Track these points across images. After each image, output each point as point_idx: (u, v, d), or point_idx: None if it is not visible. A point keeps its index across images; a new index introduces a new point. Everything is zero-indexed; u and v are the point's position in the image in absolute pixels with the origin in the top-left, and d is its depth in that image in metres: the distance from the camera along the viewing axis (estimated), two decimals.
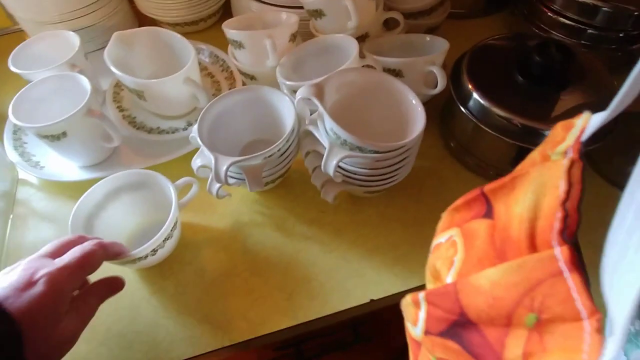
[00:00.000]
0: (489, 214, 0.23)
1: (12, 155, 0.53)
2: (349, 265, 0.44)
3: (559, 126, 0.22)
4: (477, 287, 0.21)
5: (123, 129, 0.53)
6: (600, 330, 0.16)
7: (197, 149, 0.45)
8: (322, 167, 0.40)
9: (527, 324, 0.19)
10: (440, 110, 0.57)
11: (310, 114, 0.44)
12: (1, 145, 0.54)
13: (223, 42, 0.58)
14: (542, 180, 0.20)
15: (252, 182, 0.42)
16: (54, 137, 0.46)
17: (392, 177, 0.43)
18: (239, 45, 0.52)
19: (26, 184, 0.54)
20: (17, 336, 0.27)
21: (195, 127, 0.44)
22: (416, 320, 0.26)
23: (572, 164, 0.19)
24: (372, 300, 0.42)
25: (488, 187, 0.24)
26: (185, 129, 0.55)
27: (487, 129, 0.46)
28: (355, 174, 0.41)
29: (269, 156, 0.42)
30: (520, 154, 0.46)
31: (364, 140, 0.37)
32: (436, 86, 0.49)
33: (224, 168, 0.39)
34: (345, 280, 0.43)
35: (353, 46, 0.47)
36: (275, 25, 0.54)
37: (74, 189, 0.52)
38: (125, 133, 0.53)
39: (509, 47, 0.53)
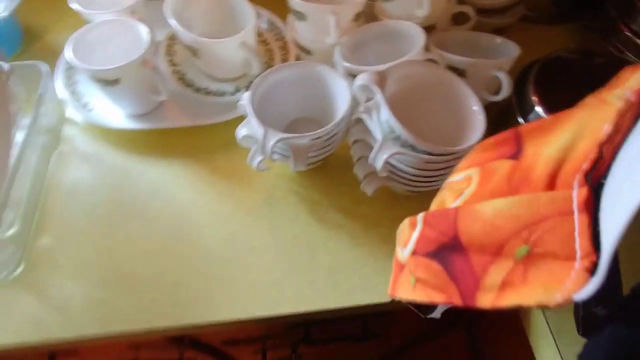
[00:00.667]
0: (516, 155, 0.23)
1: (62, 92, 0.53)
2: (377, 261, 0.43)
3: (628, 69, 0.21)
4: (478, 214, 0.21)
5: (172, 84, 0.53)
6: (590, 270, 0.16)
7: (241, 117, 0.45)
8: (369, 159, 0.38)
9: (516, 255, 0.18)
10: (492, 118, 0.55)
11: (366, 101, 0.42)
12: (52, 79, 0.55)
13: (282, 11, 0.56)
14: (585, 122, 0.19)
15: (297, 161, 0.41)
16: (107, 83, 0.46)
17: (437, 180, 0.41)
18: (301, 16, 0.50)
19: (72, 123, 0.54)
20: None
21: (246, 94, 0.43)
22: (407, 242, 0.26)
23: (628, 107, 0.18)
24: (393, 301, 0.41)
25: (525, 127, 0.23)
26: (233, 93, 0.54)
27: None
28: (401, 171, 0.40)
29: (317, 138, 0.41)
30: None
31: (419, 140, 0.36)
32: (498, 93, 0.46)
33: (272, 143, 0.39)
34: (371, 277, 0.42)
35: (420, 36, 0.45)
36: (342, 2, 0.52)
37: (117, 136, 0.53)
38: (173, 88, 0.53)
39: (581, 62, 0.50)
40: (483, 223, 0.21)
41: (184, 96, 0.54)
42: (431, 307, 0.30)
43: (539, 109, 0.44)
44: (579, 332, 0.32)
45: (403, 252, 0.27)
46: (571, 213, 0.17)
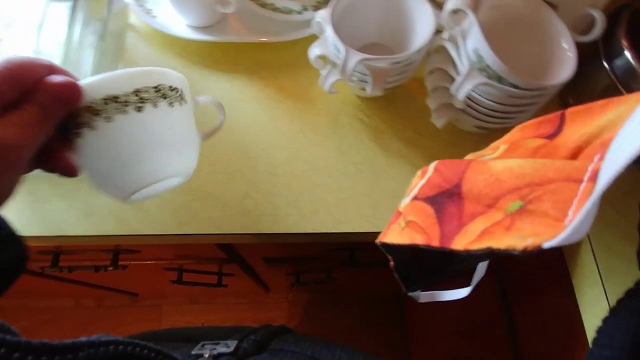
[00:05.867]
0: (551, 136, 0.22)
1: None
2: None
3: None
4: (487, 167, 0.21)
5: None
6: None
7: (307, 37, 0.44)
8: (453, 89, 0.38)
9: (508, 209, 0.18)
10: None
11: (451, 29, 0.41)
12: None
13: None
14: (635, 105, 0.18)
15: (376, 84, 0.41)
16: None
17: (511, 118, 0.41)
18: None
19: (135, 31, 0.53)
20: None
21: (324, 11, 0.42)
22: (412, 190, 0.27)
23: None
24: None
25: (572, 109, 0.22)
26: (300, 12, 0.52)
27: (624, 91, 0.42)
28: (479, 104, 0.39)
29: (397, 62, 0.40)
30: None
31: (510, 71, 0.35)
32: (584, 33, 0.44)
33: (354, 63, 0.38)
34: None
35: None
36: None
37: (180, 47, 0.52)
38: (239, 1, 0.51)
39: None
40: (489, 175, 0.21)
41: (248, 11, 0.52)
42: (415, 285, 0.31)
43: (628, 54, 0.42)
44: None
45: (404, 200, 0.27)
46: (579, 181, 0.17)
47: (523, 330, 0.60)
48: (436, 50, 0.41)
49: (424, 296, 0.33)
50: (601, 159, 0.17)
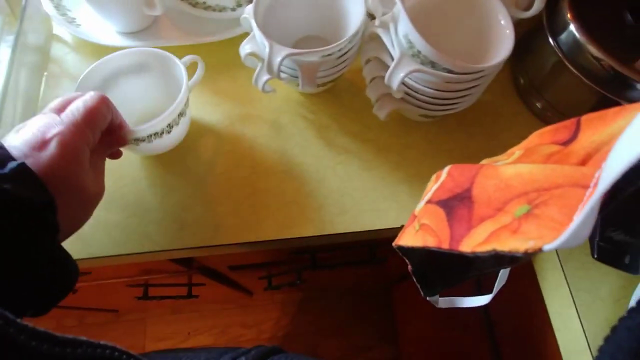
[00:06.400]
0: (567, 142, 0.23)
1: (47, 6, 0.49)
2: (386, 187, 0.42)
3: None
4: (498, 172, 0.22)
5: None
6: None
7: (244, 35, 0.41)
8: (385, 78, 0.36)
9: (516, 213, 0.19)
10: (518, 39, 0.51)
11: (382, 15, 0.38)
12: None
13: None
14: None
15: (306, 80, 0.38)
16: None
17: (455, 103, 0.39)
18: None
19: (60, 41, 0.50)
20: (50, 200, 0.26)
21: (249, 6, 0.39)
22: (426, 194, 0.28)
23: None
24: (403, 227, 0.41)
25: (587, 115, 0.23)
26: (233, 9, 0.49)
27: (572, 67, 0.40)
28: (418, 92, 0.37)
29: (328, 55, 0.37)
30: (601, 105, 0.41)
31: (441, 56, 0.33)
32: (528, 8, 0.42)
33: (279, 59, 0.36)
34: (379, 201, 0.42)
35: None
36: None
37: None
38: (167, 2, 0.48)
39: None
40: (499, 180, 0.21)
41: (180, 11, 0.49)
42: (434, 289, 0.30)
43: (572, 28, 0.40)
44: (593, 255, 0.32)
45: (420, 204, 0.28)
46: (586, 187, 0.17)
47: (495, 314, 0.61)
48: (370, 39, 0.39)
49: (442, 301, 0.33)
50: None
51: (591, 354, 0.36)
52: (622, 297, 0.38)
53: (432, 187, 0.27)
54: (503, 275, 0.33)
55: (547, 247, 0.16)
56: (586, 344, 0.37)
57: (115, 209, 0.41)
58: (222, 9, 0.50)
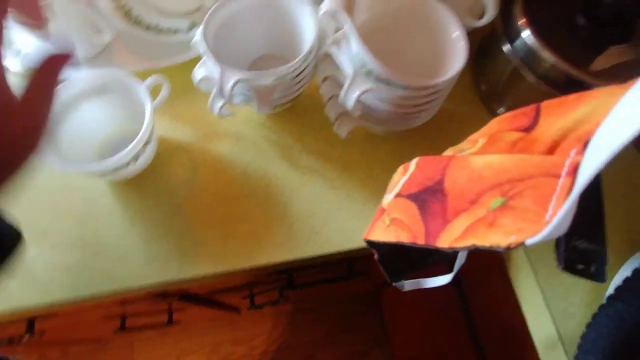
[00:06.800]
0: (528, 129, 0.23)
1: None
2: (354, 205, 0.42)
3: None
4: (469, 163, 0.21)
5: (116, 22, 0.47)
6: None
7: (200, 57, 0.40)
8: (339, 98, 0.35)
9: (490, 206, 0.19)
10: (477, 45, 0.51)
11: (335, 32, 0.38)
12: None
13: None
14: (609, 99, 0.18)
15: (261, 102, 0.37)
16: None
17: (415, 117, 0.38)
18: None
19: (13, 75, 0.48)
20: None
21: (199, 29, 0.38)
22: (394, 187, 0.27)
23: None
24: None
25: (547, 102, 0.23)
26: (188, 30, 0.48)
27: (528, 73, 0.40)
28: (376, 109, 0.37)
29: (282, 76, 0.37)
30: None
31: (394, 73, 0.32)
32: (482, 17, 0.42)
33: (231, 83, 0.35)
34: (348, 221, 0.41)
35: None
36: None
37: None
38: (118, 27, 0.47)
39: None
40: (471, 171, 0.21)
41: (133, 36, 0.48)
42: (397, 274, 0.31)
43: (526, 32, 0.40)
44: (559, 266, 0.32)
45: (387, 197, 0.27)
46: (558, 176, 0.17)
47: (476, 313, 0.61)
48: (325, 57, 0.38)
49: (408, 284, 0.33)
50: (578, 153, 0.17)
51: (567, 356, 0.36)
52: (592, 301, 0.38)
53: (400, 180, 0.27)
54: (462, 255, 0.33)
55: (529, 241, 0.16)
56: (563, 349, 0.36)
57: (74, 247, 0.39)
58: (175, 31, 0.49)
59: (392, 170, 0.43)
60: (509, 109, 0.46)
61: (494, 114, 0.47)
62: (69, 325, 0.58)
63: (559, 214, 0.16)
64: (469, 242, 0.19)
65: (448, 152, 0.28)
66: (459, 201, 0.21)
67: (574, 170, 0.16)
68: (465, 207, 0.20)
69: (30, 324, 0.50)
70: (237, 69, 0.35)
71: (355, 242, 0.40)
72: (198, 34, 0.38)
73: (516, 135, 0.23)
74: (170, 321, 0.71)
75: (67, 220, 0.40)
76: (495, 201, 0.19)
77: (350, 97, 0.34)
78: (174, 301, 0.68)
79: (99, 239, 0.40)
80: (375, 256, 0.29)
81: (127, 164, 0.37)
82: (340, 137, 0.43)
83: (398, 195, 0.26)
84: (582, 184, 0.15)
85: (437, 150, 0.45)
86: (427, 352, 0.89)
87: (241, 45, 0.42)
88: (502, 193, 0.19)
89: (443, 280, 0.32)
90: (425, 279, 0.33)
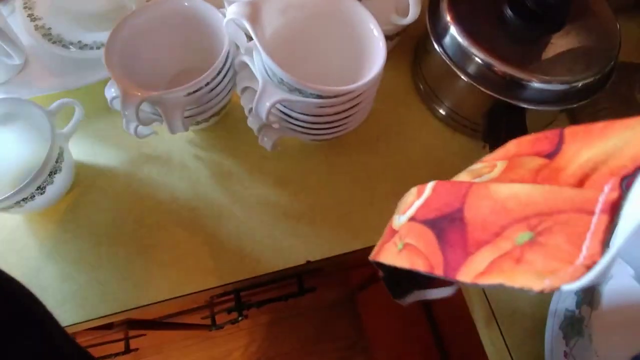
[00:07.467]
0: (551, 155, 0.22)
1: None
2: (288, 221, 0.39)
3: None
4: (491, 192, 0.21)
5: (35, 42, 0.44)
6: (589, 268, 0.15)
7: None
8: (253, 109, 0.33)
9: (517, 240, 0.18)
10: (415, 44, 0.49)
11: (248, 40, 0.35)
12: None
13: None
14: None
15: (172, 123, 0.35)
16: None
17: (340, 125, 0.36)
18: None
19: None
20: None
21: (104, 48, 0.35)
22: (407, 209, 0.26)
23: None
24: (308, 262, 0.38)
25: (571, 128, 0.22)
26: None
27: (459, 72, 0.39)
28: (294, 119, 0.35)
29: (194, 91, 0.34)
30: (499, 110, 0.40)
31: (302, 82, 0.30)
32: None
33: (134, 105, 0.32)
34: (282, 239, 0.39)
35: None
36: None
37: None
38: (37, 48, 0.44)
39: None
40: (494, 202, 0.20)
41: (53, 54, 0.45)
42: (402, 292, 0.30)
43: (453, 30, 0.38)
44: None
45: (399, 219, 0.26)
46: (592, 213, 0.16)
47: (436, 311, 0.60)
48: (242, 67, 0.36)
49: (409, 297, 0.31)
50: (613, 189, 0.16)
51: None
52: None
53: (415, 202, 0.26)
54: None
55: (566, 287, 0.15)
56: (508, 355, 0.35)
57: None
58: (99, 46, 0.46)
59: (328, 180, 0.42)
60: (448, 109, 0.44)
61: (435, 115, 0.46)
62: None
63: (602, 262, 0.15)
64: (495, 279, 0.18)
65: (463, 175, 0.26)
66: (481, 233, 0.20)
67: (611, 209, 0.16)
68: (488, 240, 0.19)
69: None
70: (152, 86, 0.33)
71: (290, 260, 0.38)
72: (103, 52, 0.35)
73: (539, 161, 0.22)
74: (127, 349, 0.67)
75: None
76: (522, 235, 0.18)
77: (262, 108, 0.32)
78: (123, 330, 0.64)
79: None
80: (380, 274, 0.28)
81: (30, 197, 0.34)
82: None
83: (412, 219, 0.25)
84: (628, 231, 0.14)
85: (375, 156, 0.43)
86: (407, 351, 0.88)
87: (157, 59, 0.40)
88: (530, 227, 0.18)
89: (445, 292, 0.31)
90: (426, 291, 0.32)
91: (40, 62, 0.46)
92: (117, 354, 0.66)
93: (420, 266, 0.22)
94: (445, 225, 0.22)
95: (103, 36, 0.46)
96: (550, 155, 0.22)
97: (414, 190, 0.27)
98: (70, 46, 0.46)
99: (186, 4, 0.37)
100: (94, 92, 0.44)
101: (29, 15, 0.47)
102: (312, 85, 0.30)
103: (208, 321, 0.71)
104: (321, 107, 0.32)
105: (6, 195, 0.32)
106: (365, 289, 0.98)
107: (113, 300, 0.36)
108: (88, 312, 0.36)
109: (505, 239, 0.18)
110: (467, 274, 0.19)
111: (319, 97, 0.31)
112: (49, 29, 0.47)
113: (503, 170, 0.24)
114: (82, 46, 0.46)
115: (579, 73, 0.37)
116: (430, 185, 0.25)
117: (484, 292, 0.38)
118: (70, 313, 0.35)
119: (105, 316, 0.36)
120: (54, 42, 0.46)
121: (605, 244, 0.15)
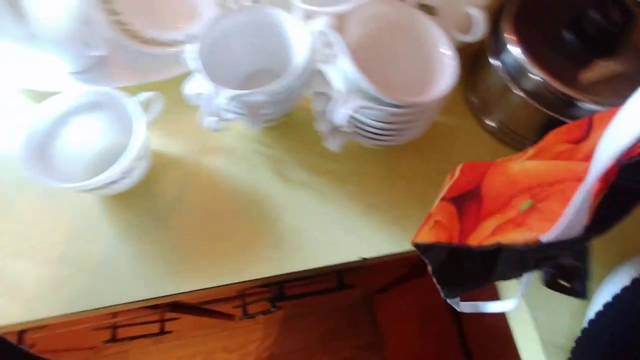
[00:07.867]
0: (580, 140, 0.23)
1: None
2: (345, 220, 0.42)
3: None
4: (505, 169, 0.23)
5: (113, 36, 0.47)
6: None
7: None
8: (330, 114, 0.35)
9: (520, 207, 0.20)
10: (469, 59, 0.51)
11: (325, 47, 0.38)
12: None
13: None
14: None
15: (253, 119, 0.37)
16: None
17: (406, 133, 0.39)
18: None
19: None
20: None
21: (192, 46, 0.38)
22: (441, 192, 0.29)
23: None
24: (362, 259, 0.40)
25: (598, 114, 0.24)
26: (185, 43, 0.48)
27: (516, 88, 0.41)
28: (367, 125, 0.37)
29: (274, 93, 0.37)
30: (550, 124, 0.42)
31: (384, 92, 0.33)
32: (471, 32, 0.42)
33: (224, 101, 0.35)
34: (338, 236, 0.41)
35: None
36: None
37: None
38: (116, 41, 0.47)
39: None
40: (506, 177, 0.22)
41: (129, 49, 0.48)
42: (454, 292, 0.29)
43: (512, 47, 0.41)
44: (543, 283, 0.32)
45: (435, 201, 0.28)
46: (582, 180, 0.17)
47: (465, 320, 0.61)
48: (317, 72, 0.38)
49: (464, 306, 0.31)
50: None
51: None
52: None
53: (447, 185, 0.28)
54: (527, 279, 0.30)
55: (543, 238, 0.17)
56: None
57: (62, 263, 0.39)
58: (173, 44, 0.49)
59: (384, 183, 0.44)
60: (500, 122, 0.46)
61: (485, 127, 0.48)
62: (59, 337, 0.58)
63: (566, 213, 0.16)
64: (494, 240, 0.19)
65: (498, 161, 0.29)
66: (493, 203, 0.22)
67: (604, 177, 0.17)
68: (497, 209, 0.21)
69: (20, 336, 0.50)
70: (229, 85, 0.35)
71: (344, 256, 0.40)
72: (191, 51, 0.38)
73: (566, 146, 0.23)
74: (162, 331, 0.70)
75: (55, 236, 0.40)
76: (524, 203, 0.20)
77: (341, 114, 0.34)
78: (165, 312, 0.67)
79: (87, 255, 0.40)
80: (429, 267, 0.28)
81: (117, 180, 0.37)
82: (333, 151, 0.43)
83: (442, 199, 0.27)
84: (588, 184, 0.16)
85: (426, 163, 0.45)
86: (420, 357, 0.89)
87: (234, 60, 0.42)
88: (532, 196, 0.19)
89: (506, 305, 0.30)
90: (485, 303, 0.31)
91: (116, 56, 0.50)
92: (151, 335, 0.69)
93: (442, 237, 0.24)
94: (465, 200, 0.24)
95: (177, 34, 0.49)
96: (579, 141, 0.23)
97: (448, 175, 0.30)
98: (148, 43, 0.49)
99: (271, 12, 0.39)
100: (165, 88, 0.47)
101: (108, 10, 0.50)
102: (392, 95, 0.33)
103: (238, 311, 0.74)
104: (394, 115, 0.35)
105: (104, 176, 0.35)
106: (386, 292, 1.00)
107: (177, 282, 0.39)
108: (156, 290, 0.38)
109: (511, 208, 0.21)
110: (475, 238, 0.21)
111: (396, 107, 0.34)
112: (127, 24, 0.50)
113: (531, 155, 0.25)
114: (159, 43, 0.49)
115: (627, 98, 0.39)
116: (459, 168, 0.28)
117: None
118: (141, 289, 0.38)
119: (167, 296, 0.38)
120: (132, 38, 0.49)
121: (595, 207, 0.17)
